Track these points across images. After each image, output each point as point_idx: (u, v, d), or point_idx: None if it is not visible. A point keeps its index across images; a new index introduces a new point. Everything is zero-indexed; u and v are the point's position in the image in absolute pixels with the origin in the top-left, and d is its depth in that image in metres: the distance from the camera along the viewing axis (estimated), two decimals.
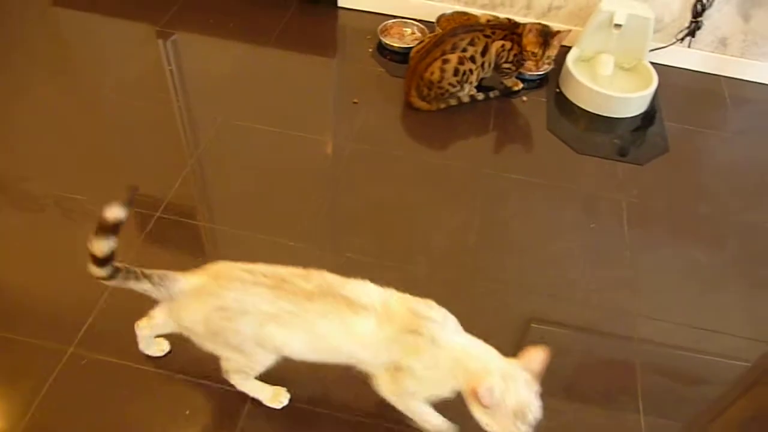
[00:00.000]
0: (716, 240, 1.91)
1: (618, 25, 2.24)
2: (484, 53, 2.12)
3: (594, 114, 2.26)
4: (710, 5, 2.28)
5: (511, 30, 2.16)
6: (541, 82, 2.38)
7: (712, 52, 2.47)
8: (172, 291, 1.18)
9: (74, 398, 1.39)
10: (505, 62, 2.17)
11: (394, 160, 2.01)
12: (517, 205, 1.93)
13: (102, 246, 1.10)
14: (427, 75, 2.09)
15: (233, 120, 2.07)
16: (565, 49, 2.33)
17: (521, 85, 2.30)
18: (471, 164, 2.02)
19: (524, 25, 2.15)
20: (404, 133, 2.13)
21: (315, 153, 2.02)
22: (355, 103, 2.18)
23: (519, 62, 2.20)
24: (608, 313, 1.68)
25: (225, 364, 1.29)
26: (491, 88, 2.26)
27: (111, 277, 1.15)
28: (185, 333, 1.24)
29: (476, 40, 2.10)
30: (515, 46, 2.16)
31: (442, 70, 2.07)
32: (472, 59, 2.10)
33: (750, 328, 1.69)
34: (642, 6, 2.30)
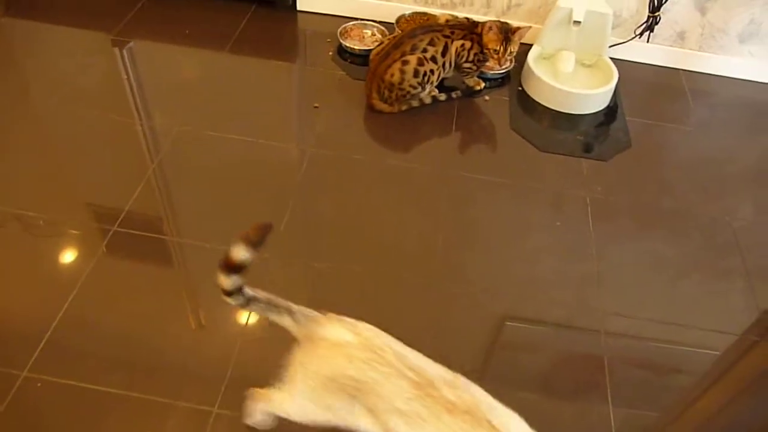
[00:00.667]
0: (680, 233, 1.92)
1: (577, 22, 2.25)
2: (444, 53, 2.10)
3: (556, 111, 2.26)
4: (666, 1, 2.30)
5: (470, 29, 2.15)
6: (503, 80, 2.38)
7: (671, 46, 2.49)
8: (311, 332, 1.10)
9: (29, 424, 1.34)
10: (466, 62, 2.16)
11: (358, 165, 1.98)
12: (483, 205, 1.92)
13: (227, 282, 1.07)
14: (387, 77, 2.07)
15: (193, 128, 2.03)
16: (526, 47, 2.33)
17: (483, 85, 2.30)
18: (435, 166, 2.01)
19: (483, 23, 2.14)
20: (367, 136, 2.11)
21: (278, 160, 1.99)
22: (316, 107, 2.16)
23: (480, 61, 2.19)
24: (577, 308, 1.68)
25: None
26: (453, 89, 2.25)
27: (245, 305, 1.11)
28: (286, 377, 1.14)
29: (436, 40, 2.09)
30: (475, 46, 2.15)
31: (402, 72, 2.05)
32: (433, 59, 2.09)
33: (715, 319, 1.71)
34: (600, 2, 2.31)
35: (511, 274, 1.74)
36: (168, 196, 1.85)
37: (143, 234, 1.71)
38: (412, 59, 2.05)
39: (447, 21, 2.18)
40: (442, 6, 2.50)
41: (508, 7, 2.47)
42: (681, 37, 2.47)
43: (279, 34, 2.49)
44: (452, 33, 2.12)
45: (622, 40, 2.45)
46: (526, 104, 2.29)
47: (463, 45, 2.13)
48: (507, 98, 2.30)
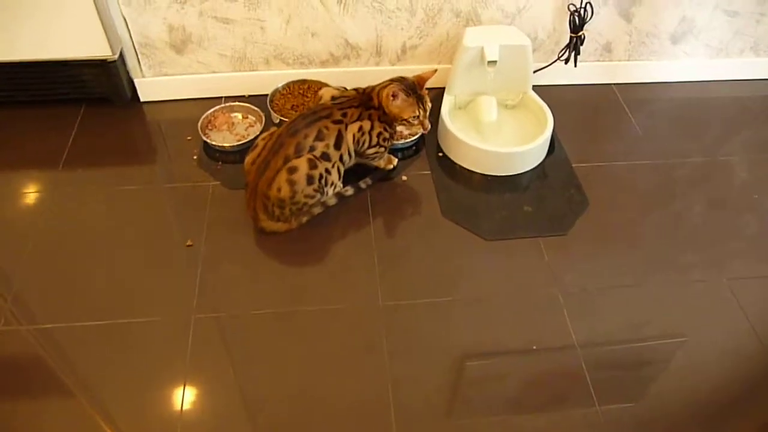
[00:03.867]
0: (635, 241, 1.63)
1: (492, 62, 1.82)
2: (338, 145, 1.61)
3: (491, 176, 1.83)
4: (590, 16, 1.90)
5: (365, 104, 1.67)
6: (417, 146, 1.92)
7: (598, 60, 2.11)
8: None
9: None
10: (369, 147, 1.68)
11: (259, 323, 1.47)
12: (433, 339, 1.47)
13: None
14: (273, 193, 1.56)
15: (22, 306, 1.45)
16: (435, 94, 1.87)
17: (396, 161, 1.83)
18: (361, 299, 1.53)
19: (379, 90, 1.66)
20: (264, 275, 1.59)
21: (151, 340, 1.45)
22: (189, 246, 1.62)
23: (387, 140, 1.72)
24: (542, 330, 1.49)
25: None
26: (362, 176, 1.77)
27: None
28: None
29: (324, 131, 1.59)
30: (377, 124, 1.67)
31: (292, 183, 1.55)
32: (325, 157, 1.59)
33: (680, 309, 1.54)
34: (512, 32, 1.88)
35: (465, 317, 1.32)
36: None
37: None
38: (301, 164, 1.55)
39: (333, 99, 1.69)
40: (322, 64, 2.00)
41: (403, 52, 2.00)
42: (607, 49, 2.09)
43: (122, 141, 1.90)
44: (344, 116, 1.63)
45: (543, 65, 2.04)
46: (453, 173, 1.84)
47: (360, 128, 1.65)
48: (428, 171, 1.85)
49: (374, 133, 1.67)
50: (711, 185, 1.86)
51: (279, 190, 1.55)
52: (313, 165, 1.56)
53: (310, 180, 1.56)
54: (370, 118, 1.66)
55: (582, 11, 1.88)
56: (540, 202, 1.77)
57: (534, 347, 1.45)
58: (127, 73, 1.94)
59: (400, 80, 1.68)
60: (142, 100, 2.00)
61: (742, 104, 2.16)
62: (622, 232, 1.71)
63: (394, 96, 1.63)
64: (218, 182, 1.78)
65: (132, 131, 1.95)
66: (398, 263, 1.61)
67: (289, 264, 1.61)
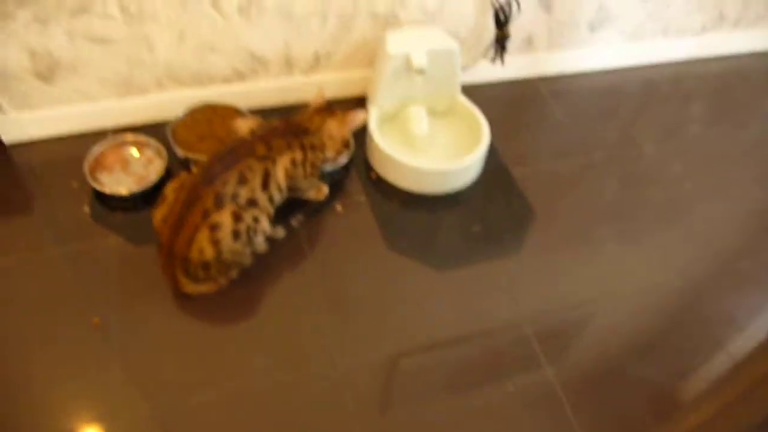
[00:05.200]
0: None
1: (420, 70, 1.65)
2: (266, 185, 1.39)
3: (432, 197, 1.68)
4: (515, 12, 1.77)
5: (294, 132, 1.46)
6: (347, 168, 1.73)
7: (521, 54, 2.01)
8: None
9: None
10: (305, 179, 1.48)
11: (202, 413, 1.25)
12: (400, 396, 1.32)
13: None
14: (194, 255, 1.31)
15: None
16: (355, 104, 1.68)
17: (326, 190, 1.63)
18: (311, 354, 1.35)
19: (306, 112, 1.47)
20: (195, 345, 1.36)
21: None
22: (96, 325, 1.34)
23: (318, 166, 1.53)
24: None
25: None
26: (291, 212, 1.55)
27: None
28: None
29: (247, 173, 1.36)
30: (309, 153, 1.47)
31: (215, 242, 1.31)
32: (252, 203, 1.36)
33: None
34: (437, 35, 1.72)
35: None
36: None
37: None
38: (224, 219, 1.31)
39: (253, 132, 1.45)
40: (225, 81, 1.73)
41: (316, 60, 1.78)
42: (529, 43, 1.98)
43: None
44: (269, 150, 1.41)
45: (467, 64, 1.90)
46: (390, 195, 1.67)
47: (293, 161, 1.43)
48: (363, 196, 1.67)
49: (307, 164, 1.47)
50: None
51: (201, 251, 1.31)
52: (238, 217, 1.33)
53: (236, 235, 1.33)
54: (302, 147, 1.46)
55: (507, 7, 1.75)
56: (486, 219, 1.65)
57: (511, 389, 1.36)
58: None
59: (323, 101, 1.54)
60: (5, 142, 1.64)
61: (654, 86, 2.17)
62: (576, 239, 1.65)
63: (333, 116, 1.54)
64: (121, 237, 1.49)
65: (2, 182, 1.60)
66: (346, 311, 1.43)
67: (223, 329, 1.38)
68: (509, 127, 1.92)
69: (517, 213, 1.68)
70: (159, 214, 1.36)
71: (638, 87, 2.16)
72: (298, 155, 1.45)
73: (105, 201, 1.56)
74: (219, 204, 1.31)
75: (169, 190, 1.38)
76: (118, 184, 1.57)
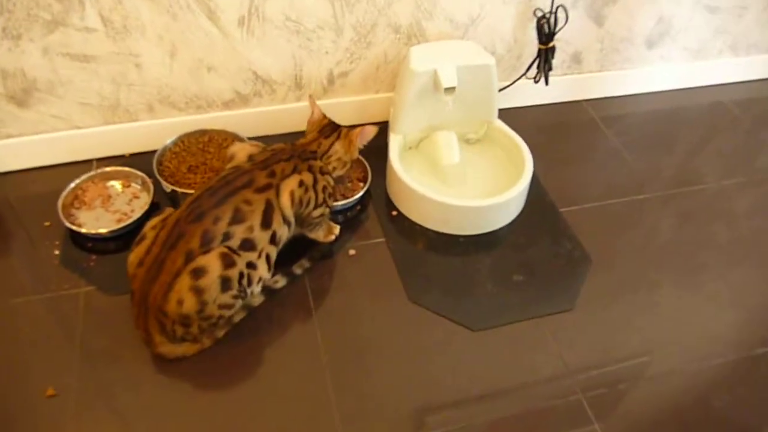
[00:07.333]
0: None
1: (450, 89, 1.40)
2: (267, 222, 1.14)
3: (464, 237, 1.41)
4: (562, 23, 1.52)
5: (300, 155, 1.23)
6: (362, 203, 1.48)
7: (566, 74, 1.75)
8: None
9: None
10: (316, 208, 1.23)
11: None
12: None
13: None
14: (171, 308, 1.06)
15: None
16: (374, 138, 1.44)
17: (338, 230, 1.38)
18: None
19: (309, 132, 1.26)
20: (175, 425, 1.10)
21: None
22: (50, 397, 1.09)
23: (332, 195, 1.29)
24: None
25: None
26: (294, 257, 1.30)
27: None
28: None
29: (244, 208, 1.11)
30: (320, 177, 1.23)
31: (199, 292, 1.06)
32: (247, 245, 1.11)
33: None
34: (469, 48, 1.48)
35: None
36: None
37: None
38: (211, 264, 1.06)
39: (251, 157, 1.21)
40: (226, 106, 1.52)
41: (330, 82, 1.55)
42: (576, 60, 1.73)
43: None
44: (271, 175, 1.17)
45: (505, 84, 1.66)
46: (414, 238, 1.41)
47: (301, 183, 1.18)
48: (381, 238, 1.40)
49: (319, 188, 1.22)
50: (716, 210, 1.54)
51: (180, 303, 1.06)
52: (229, 262, 1.08)
53: (225, 285, 1.08)
54: (310, 170, 1.21)
55: (552, 17, 1.50)
56: (529, 264, 1.37)
57: None
58: None
59: (326, 118, 1.31)
60: None
61: (723, 109, 1.87)
62: (631, 284, 1.35)
63: (364, 135, 1.32)
64: (92, 287, 1.26)
65: None
66: (358, 378, 1.16)
67: (208, 398, 1.12)
68: (554, 157, 1.65)
69: (566, 257, 1.39)
70: (134, 255, 1.12)
71: (703, 111, 1.87)
72: (308, 177, 1.20)
73: (80, 242, 1.33)
74: (206, 244, 1.07)
75: (149, 227, 1.14)
76: (96, 222, 1.35)
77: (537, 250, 1.40)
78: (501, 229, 1.44)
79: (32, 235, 1.34)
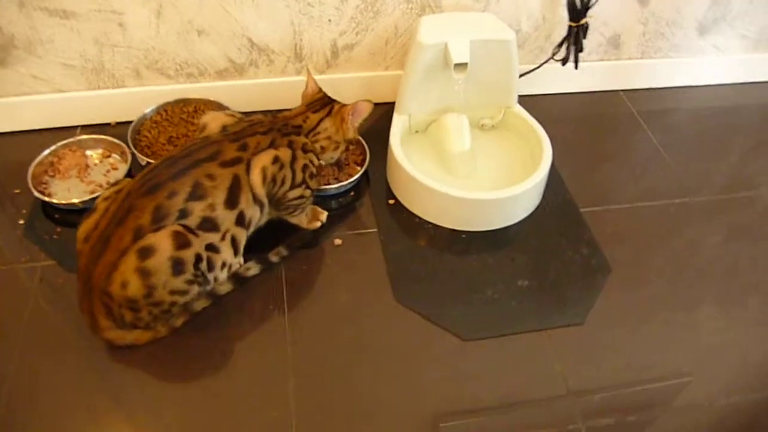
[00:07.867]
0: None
1: (461, 65, 1.24)
2: (233, 201, 1.01)
3: (467, 233, 1.25)
4: None
5: (280, 129, 1.09)
6: (356, 189, 1.33)
7: (602, 60, 1.56)
8: None
9: None
10: (292, 188, 1.09)
11: None
12: None
13: None
14: (115, 289, 0.95)
15: None
16: (380, 112, 1.30)
17: (324, 216, 1.24)
18: None
19: (324, 105, 1.15)
20: (118, 408, 0.99)
21: None
22: None
23: (315, 176, 1.15)
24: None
25: None
26: (274, 243, 1.17)
27: None
28: None
29: (205, 183, 0.98)
30: (299, 154, 1.09)
31: (145, 274, 0.94)
32: (208, 225, 0.99)
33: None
34: (487, 21, 1.31)
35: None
36: None
37: None
38: (160, 242, 0.94)
39: (225, 128, 1.09)
40: (219, 75, 1.40)
41: (334, 54, 1.41)
42: (614, 44, 1.54)
43: None
44: (243, 148, 1.04)
45: (529, 67, 1.48)
46: (410, 230, 1.26)
47: (276, 159, 1.05)
48: (374, 228, 1.26)
49: (297, 166, 1.09)
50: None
51: (124, 285, 0.94)
52: (182, 243, 0.95)
53: (177, 268, 0.96)
54: (290, 146, 1.08)
55: None
56: (540, 270, 1.20)
57: None
58: None
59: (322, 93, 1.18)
60: None
61: None
62: (664, 300, 1.16)
63: (356, 112, 1.15)
64: (52, 261, 1.16)
65: None
66: (325, 386, 1.02)
67: (158, 396, 1.00)
68: (581, 152, 1.47)
69: (581, 264, 1.21)
70: (82, 230, 1.00)
71: (759, 110, 1.66)
72: (285, 153, 1.07)
73: (49, 212, 1.24)
74: (158, 221, 0.95)
75: (101, 198, 1.03)
76: (69, 192, 1.25)
77: (549, 254, 1.22)
78: (510, 227, 1.27)
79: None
